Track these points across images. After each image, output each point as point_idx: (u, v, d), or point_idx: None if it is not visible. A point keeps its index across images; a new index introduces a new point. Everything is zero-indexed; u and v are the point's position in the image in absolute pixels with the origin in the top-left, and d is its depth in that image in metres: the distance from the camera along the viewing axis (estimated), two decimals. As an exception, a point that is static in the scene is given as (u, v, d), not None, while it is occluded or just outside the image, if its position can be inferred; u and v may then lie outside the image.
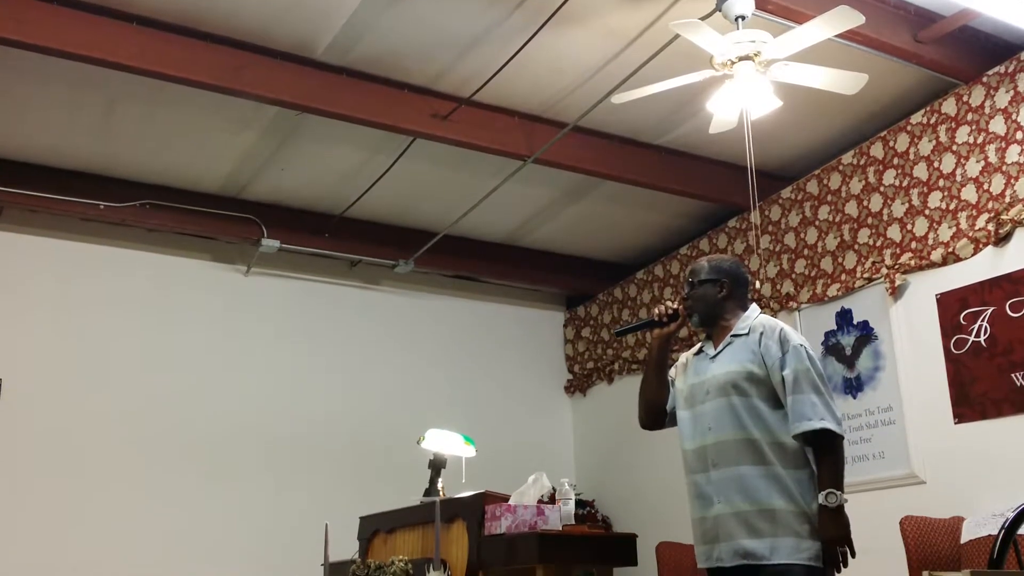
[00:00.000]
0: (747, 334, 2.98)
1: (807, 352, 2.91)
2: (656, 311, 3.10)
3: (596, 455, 7.73)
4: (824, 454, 2.80)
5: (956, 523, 4.70)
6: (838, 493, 2.74)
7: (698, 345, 3.17)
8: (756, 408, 2.86)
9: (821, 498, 2.74)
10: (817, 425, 2.78)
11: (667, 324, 3.10)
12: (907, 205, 5.52)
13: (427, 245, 6.98)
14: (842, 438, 2.82)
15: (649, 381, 3.16)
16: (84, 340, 6.26)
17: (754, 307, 3.12)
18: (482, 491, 4.11)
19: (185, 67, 4.83)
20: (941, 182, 5.34)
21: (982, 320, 5.02)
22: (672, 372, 3.20)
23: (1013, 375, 4.83)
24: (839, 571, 2.79)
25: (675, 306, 3.10)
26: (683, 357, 3.21)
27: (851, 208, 5.86)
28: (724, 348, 3.01)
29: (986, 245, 5.07)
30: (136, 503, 6.10)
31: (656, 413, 3.16)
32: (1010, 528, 2.98)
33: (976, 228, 5.12)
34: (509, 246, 7.55)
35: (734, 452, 2.84)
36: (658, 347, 3.13)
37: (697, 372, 3.06)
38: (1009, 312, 4.91)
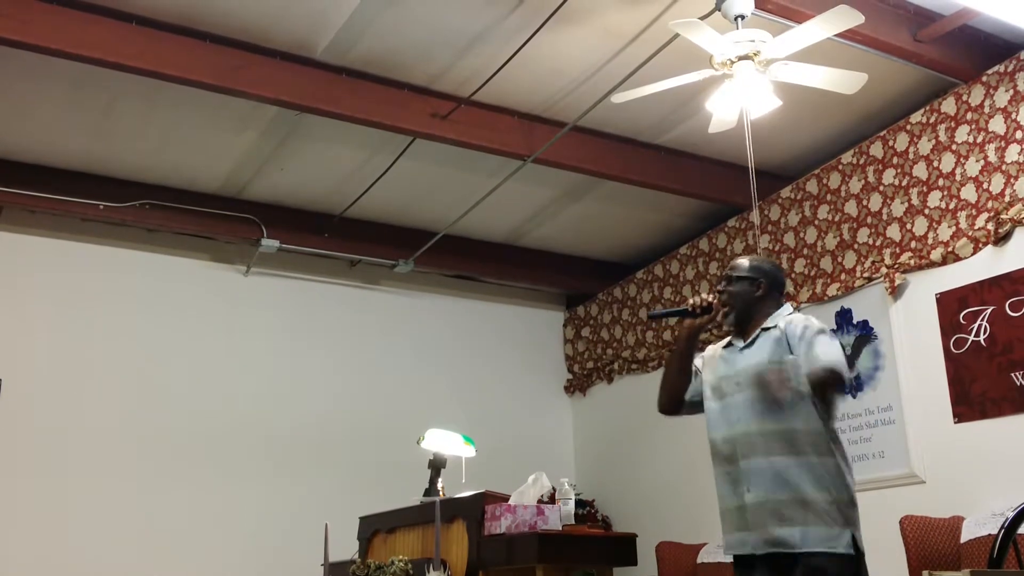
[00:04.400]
0: (775, 327, 3.00)
1: (827, 329, 2.97)
2: (691, 302, 3.09)
3: (596, 455, 7.72)
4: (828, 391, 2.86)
5: (956, 522, 4.69)
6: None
7: (727, 339, 3.18)
8: (782, 401, 2.87)
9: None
10: (827, 362, 2.82)
11: (699, 316, 3.08)
12: (907, 204, 5.52)
13: (427, 245, 6.97)
14: (845, 382, 2.87)
15: (672, 369, 3.16)
16: (84, 340, 6.25)
17: (787, 306, 3.14)
18: (482, 491, 4.11)
19: (185, 67, 4.83)
20: (941, 181, 5.33)
21: (982, 319, 5.02)
22: (698, 363, 3.19)
23: (1013, 374, 4.83)
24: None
25: (710, 299, 3.09)
26: (711, 349, 3.22)
27: (851, 207, 5.86)
28: (753, 341, 3.03)
29: (986, 244, 5.07)
30: (135, 502, 6.10)
31: (676, 401, 3.18)
32: (1010, 528, 2.98)
33: (976, 227, 5.12)
34: (509, 246, 7.55)
35: (763, 443, 2.87)
36: (686, 337, 3.11)
37: (727, 364, 3.07)
38: (1009, 311, 4.91)
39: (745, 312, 3.08)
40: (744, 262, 3.14)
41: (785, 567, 2.80)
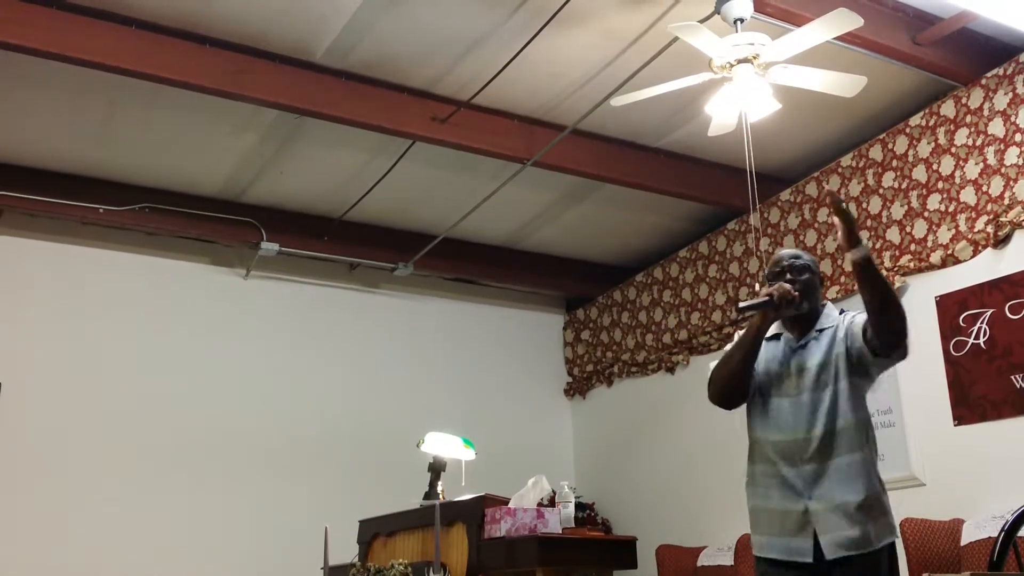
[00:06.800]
0: (833, 327, 2.94)
1: None
2: (776, 293, 2.91)
3: (596, 458, 7.72)
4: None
5: (956, 525, 4.69)
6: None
7: (772, 331, 3.05)
8: (845, 396, 2.83)
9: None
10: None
11: (783, 308, 2.93)
12: (906, 207, 5.52)
13: (427, 248, 6.97)
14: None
15: (741, 362, 2.98)
16: (84, 343, 6.25)
17: (831, 304, 3.07)
18: (482, 494, 4.11)
19: (185, 71, 4.84)
20: (940, 184, 5.34)
21: (981, 322, 5.02)
22: None
23: (1013, 377, 4.83)
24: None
25: (794, 291, 2.93)
26: None
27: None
28: (810, 341, 2.94)
29: (985, 247, 5.07)
30: (135, 506, 6.09)
31: (740, 395, 3.03)
32: (1010, 530, 2.99)
33: (975, 230, 5.12)
34: (509, 249, 7.56)
35: (830, 445, 2.81)
36: (758, 330, 2.95)
37: (780, 361, 2.98)
38: (1008, 314, 4.91)
39: (815, 304, 2.99)
40: (802, 253, 3.05)
41: (842, 564, 2.76)
